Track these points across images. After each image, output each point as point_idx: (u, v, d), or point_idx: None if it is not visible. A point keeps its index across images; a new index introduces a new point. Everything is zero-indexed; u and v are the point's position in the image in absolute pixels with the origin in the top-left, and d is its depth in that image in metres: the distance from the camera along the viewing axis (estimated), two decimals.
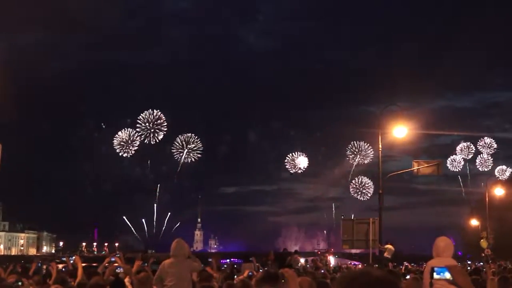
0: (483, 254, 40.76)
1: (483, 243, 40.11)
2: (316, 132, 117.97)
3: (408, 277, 12.10)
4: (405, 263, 35.00)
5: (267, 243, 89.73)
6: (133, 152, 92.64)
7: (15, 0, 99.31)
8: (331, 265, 33.42)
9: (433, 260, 8.18)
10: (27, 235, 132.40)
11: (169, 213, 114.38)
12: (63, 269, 14.07)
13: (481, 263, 35.25)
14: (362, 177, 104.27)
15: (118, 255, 11.49)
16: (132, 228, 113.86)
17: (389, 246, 23.95)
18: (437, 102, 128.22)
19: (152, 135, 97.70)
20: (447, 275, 3.54)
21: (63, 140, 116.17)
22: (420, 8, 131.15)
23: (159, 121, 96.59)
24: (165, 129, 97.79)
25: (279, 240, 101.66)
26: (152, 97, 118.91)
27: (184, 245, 9.54)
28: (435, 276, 3.59)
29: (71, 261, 14.09)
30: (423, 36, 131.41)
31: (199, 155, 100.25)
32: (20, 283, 8.92)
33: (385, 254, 23.04)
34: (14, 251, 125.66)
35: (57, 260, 13.97)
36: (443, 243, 8.26)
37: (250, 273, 12.31)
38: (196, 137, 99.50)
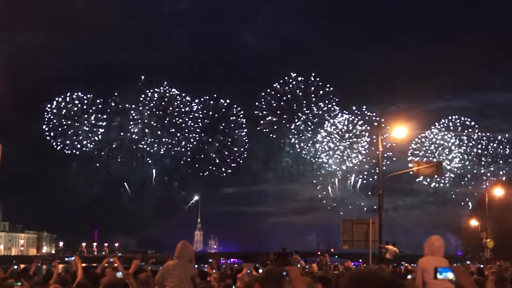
0: (486, 251, 40.53)
1: (490, 243, 39.81)
2: (316, 132, 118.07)
3: (409, 277, 12.11)
4: (405, 263, 34.94)
5: (267, 243, 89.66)
6: None
7: (15, 0, 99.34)
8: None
9: (426, 258, 8.13)
10: (27, 235, 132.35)
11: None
12: (64, 269, 14.07)
13: (482, 265, 35.16)
14: None
15: (120, 255, 11.48)
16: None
17: (390, 246, 23.90)
18: (436, 103, 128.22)
19: None
20: (450, 276, 3.53)
21: (63, 140, 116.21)
22: (420, 8, 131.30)
23: None
24: None
25: (279, 241, 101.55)
26: (152, 97, 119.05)
27: (189, 248, 9.53)
28: (438, 276, 3.57)
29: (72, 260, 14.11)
30: (423, 36, 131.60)
31: None
32: (19, 284, 8.91)
33: (386, 255, 22.99)
34: (14, 251, 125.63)
35: (58, 261, 13.90)
36: (439, 243, 8.24)
37: (249, 271, 12.33)
38: None
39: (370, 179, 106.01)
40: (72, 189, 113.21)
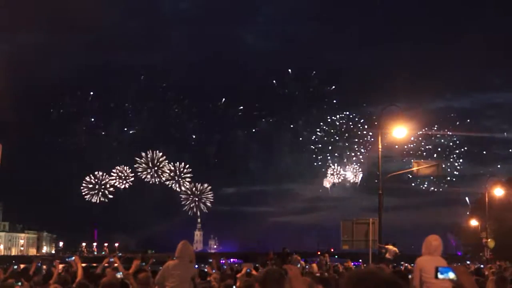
0: (486, 251, 40.52)
1: (490, 243, 39.77)
2: (317, 132, 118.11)
3: (409, 277, 12.09)
4: (405, 264, 34.89)
5: (267, 243, 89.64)
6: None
7: (15, 0, 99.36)
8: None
9: (424, 257, 8.12)
10: (27, 235, 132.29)
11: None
12: (64, 269, 14.07)
13: (482, 265, 35.14)
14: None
15: (120, 255, 11.50)
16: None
17: (390, 246, 23.87)
18: (436, 103, 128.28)
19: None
20: (451, 275, 3.52)
21: (63, 140, 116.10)
22: (420, 8, 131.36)
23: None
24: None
25: (279, 241, 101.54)
26: (152, 97, 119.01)
27: (189, 248, 9.53)
28: (440, 276, 3.56)
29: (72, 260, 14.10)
30: (423, 37, 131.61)
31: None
32: (19, 284, 8.89)
33: (387, 255, 22.97)
34: (14, 251, 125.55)
35: (58, 261, 13.91)
36: (437, 242, 8.23)
37: (248, 270, 12.33)
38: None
39: (370, 179, 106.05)
40: (72, 189, 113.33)
